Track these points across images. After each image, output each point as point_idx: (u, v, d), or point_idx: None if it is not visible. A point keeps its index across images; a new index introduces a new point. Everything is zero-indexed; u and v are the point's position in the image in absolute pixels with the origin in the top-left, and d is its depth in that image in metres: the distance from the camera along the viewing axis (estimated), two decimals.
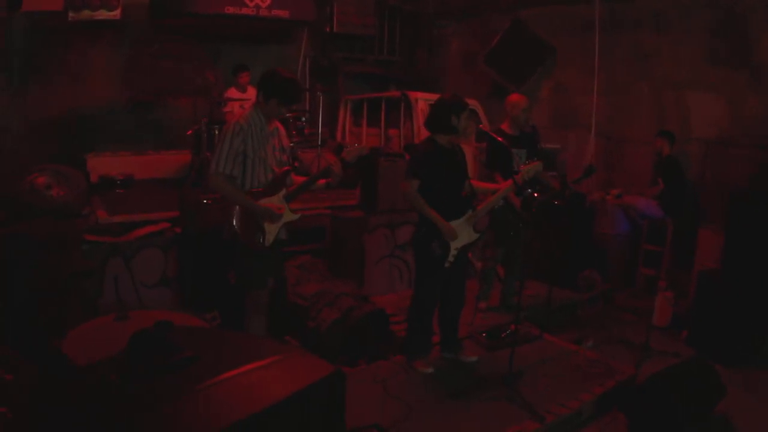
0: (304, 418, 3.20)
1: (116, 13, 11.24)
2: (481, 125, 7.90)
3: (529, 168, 6.77)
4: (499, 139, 7.29)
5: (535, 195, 7.32)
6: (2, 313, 6.58)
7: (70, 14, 10.90)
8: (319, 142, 12.48)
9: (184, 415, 2.87)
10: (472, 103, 11.93)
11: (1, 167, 9.47)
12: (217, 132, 11.16)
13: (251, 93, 12.04)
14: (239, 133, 5.83)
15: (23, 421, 3.14)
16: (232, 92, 12.21)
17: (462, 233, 6.60)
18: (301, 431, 3.19)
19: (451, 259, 6.63)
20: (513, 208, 8.05)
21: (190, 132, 11.62)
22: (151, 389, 3.08)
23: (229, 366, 3.24)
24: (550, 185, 8.47)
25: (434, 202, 6.46)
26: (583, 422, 6.30)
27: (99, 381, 3.24)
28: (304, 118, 12.22)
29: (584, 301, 9.70)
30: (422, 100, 12.40)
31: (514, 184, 6.75)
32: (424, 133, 6.72)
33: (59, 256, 7.15)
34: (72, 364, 4.45)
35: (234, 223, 5.98)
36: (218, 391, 3.05)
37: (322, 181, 6.28)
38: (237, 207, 5.97)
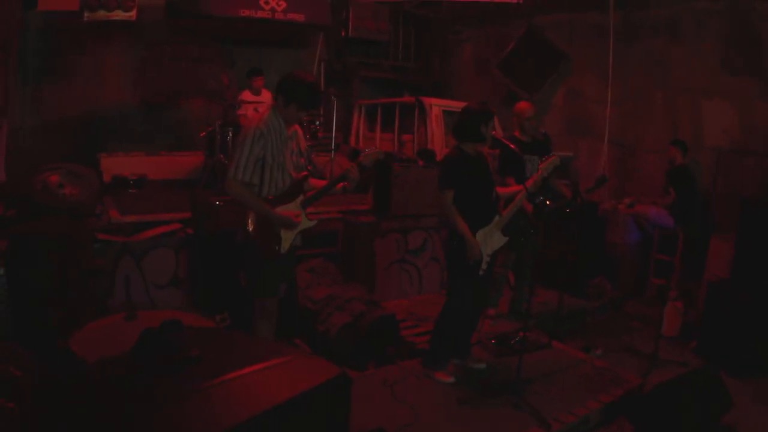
0: (308, 421, 3.20)
1: (132, 14, 11.29)
2: (493, 132, 7.88)
3: (548, 164, 6.76)
4: (512, 146, 7.29)
5: (547, 202, 7.32)
6: (14, 311, 6.61)
7: (86, 14, 10.95)
8: (333, 147, 12.50)
9: (186, 415, 2.88)
10: None
11: (15, 166, 9.50)
12: (230, 134, 11.20)
13: (265, 96, 12.06)
14: (260, 139, 5.69)
15: (29, 416, 3.16)
16: (246, 95, 12.22)
17: (492, 239, 6.62)
18: None
19: (484, 266, 6.63)
20: (524, 213, 8.05)
21: (203, 134, 11.67)
22: (155, 388, 3.09)
23: (233, 367, 3.24)
24: (562, 193, 8.47)
25: (466, 210, 6.45)
26: (590, 430, 6.29)
27: (104, 378, 3.26)
28: (318, 122, 12.24)
29: (594, 309, 9.70)
30: (436, 106, 12.44)
31: (526, 190, 6.76)
32: (438, 139, 6.74)
33: (71, 255, 7.16)
34: (79, 362, 4.47)
35: (249, 230, 5.90)
36: (221, 392, 3.05)
37: (339, 186, 6.20)
38: (250, 214, 5.88)
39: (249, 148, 5.68)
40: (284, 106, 5.89)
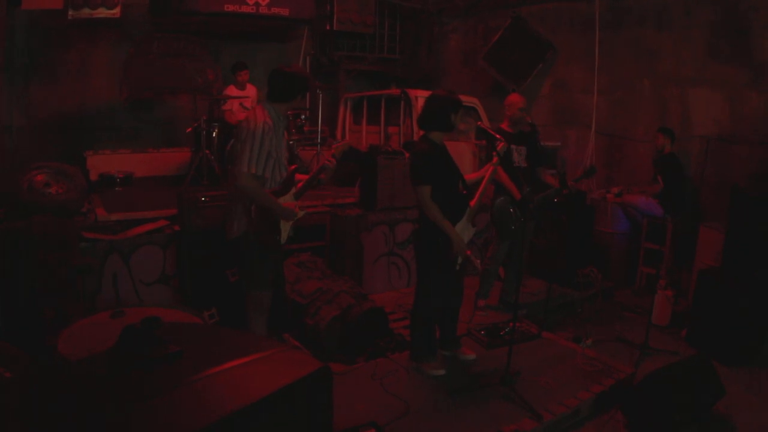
0: (289, 414, 3.18)
1: (116, 12, 11.27)
2: (480, 122, 7.89)
3: (501, 149, 6.77)
4: (497, 136, 7.25)
5: (532, 201, 7.39)
6: (2, 311, 6.59)
7: (70, 12, 10.93)
8: (319, 140, 12.47)
9: (166, 412, 2.86)
10: (473, 100, 11.97)
11: (2, 165, 9.46)
12: (216, 130, 11.21)
13: (250, 91, 12.06)
14: (268, 133, 5.77)
15: (13, 413, 3.13)
16: (231, 90, 12.18)
17: (466, 231, 6.57)
18: (285, 427, 3.18)
19: (460, 261, 6.60)
20: (514, 201, 8.05)
21: (189, 129, 11.62)
22: (134, 383, 3.07)
23: (214, 362, 3.23)
24: (548, 183, 8.46)
25: (439, 204, 6.32)
26: (581, 421, 6.28)
27: (86, 375, 3.24)
28: (303, 116, 12.21)
29: (584, 299, 9.67)
30: (422, 98, 12.27)
31: (496, 168, 6.75)
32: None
33: (58, 254, 7.13)
34: (63, 359, 4.45)
35: (247, 224, 5.94)
36: (201, 388, 3.04)
37: (322, 176, 6.33)
38: (252, 207, 5.87)
39: (260, 141, 5.74)
40: (287, 100, 6.03)
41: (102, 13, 11.17)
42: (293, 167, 6.24)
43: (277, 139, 5.92)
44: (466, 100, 7.97)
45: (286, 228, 6.15)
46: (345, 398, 3.92)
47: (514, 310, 6.75)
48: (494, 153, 6.78)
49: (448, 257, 6.45)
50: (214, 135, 11.35)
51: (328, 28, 14.74)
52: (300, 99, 6.15)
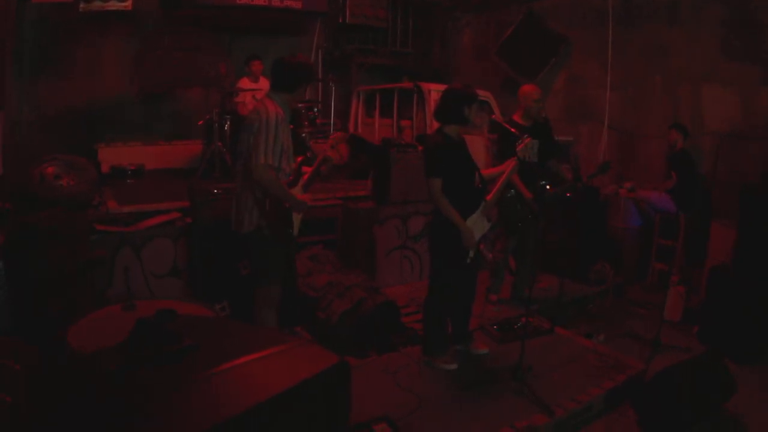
0: (307, 409, 3.17)
1: (128, 4, 11.24)
2: (493, 116, 7.84)
3: (524, 147, 6.74)
4: (512, 129, 7.20)
5: (548, 187, 7.28)
6: (13, 304, 6.57)
7: (81, 5, 10.90)
8: (331, 133, 12.46)
9: (180, 407, 2.84)
10: (486, 94, 11.93)
11: (13, 158, 9.45)
12: (228, 123, 11.21)
13: (263, 83, 12.02)
14: (281, 124, 5.78)
15: (23, 407, 3.12)
16: (245, 82, 12.18)
17: (479, 226, 6.53)
18: (303, 422, 3.16)
19: (472, 254, 6.58)
20: (522, 198, 8.00)
21: (201, 122, 11.61)
22: (148, 378, 3.05)
23: (230, 356, 3.21)
24: (564, 177, 8.42)
25: (452, 197, 6.33)
26: (593, 416, 6.27)
27: (98, 369, 3.22)
28: (316, 109, 12.19)
29: (596, 294, 9.65)
30: (435, 91, 12.38)
31: (518, 163, 6.70)
32: (437, 124, 6.63)
33: (69, 247, 7.12)
34: (74, 353, 4.43)
35: (260, 217, 5.95)
36: (218, 382, 3.02)
37: (323, 168, 6.40)
38: (266, 199, 5.87)
39: (274, 133, 5.73)
40: (291, 91, 6.05)
41: (113, 5, 11.14)
42: (300, 159, 6.26)
43: (287, 130, 5.93)
44: (480, 94, 7.92)
45: (297, 220, 6.16)
46: (357, 392, 3.89)
47: (527, 305, 6.73)
48: (516, 151, 6.74)
49: (460, 250, 6.43)
50: (226, 127, 11.36)
51: (340, 21, 14.73)
52: (304, 90, 6.20)
